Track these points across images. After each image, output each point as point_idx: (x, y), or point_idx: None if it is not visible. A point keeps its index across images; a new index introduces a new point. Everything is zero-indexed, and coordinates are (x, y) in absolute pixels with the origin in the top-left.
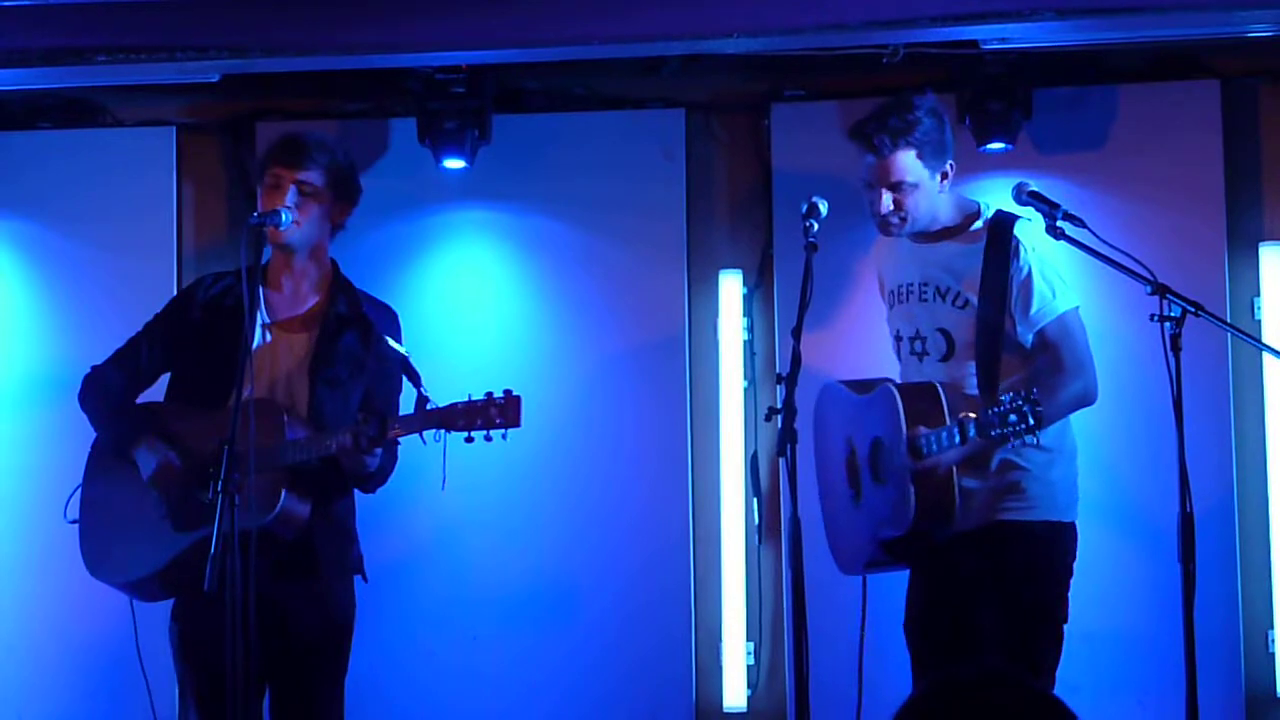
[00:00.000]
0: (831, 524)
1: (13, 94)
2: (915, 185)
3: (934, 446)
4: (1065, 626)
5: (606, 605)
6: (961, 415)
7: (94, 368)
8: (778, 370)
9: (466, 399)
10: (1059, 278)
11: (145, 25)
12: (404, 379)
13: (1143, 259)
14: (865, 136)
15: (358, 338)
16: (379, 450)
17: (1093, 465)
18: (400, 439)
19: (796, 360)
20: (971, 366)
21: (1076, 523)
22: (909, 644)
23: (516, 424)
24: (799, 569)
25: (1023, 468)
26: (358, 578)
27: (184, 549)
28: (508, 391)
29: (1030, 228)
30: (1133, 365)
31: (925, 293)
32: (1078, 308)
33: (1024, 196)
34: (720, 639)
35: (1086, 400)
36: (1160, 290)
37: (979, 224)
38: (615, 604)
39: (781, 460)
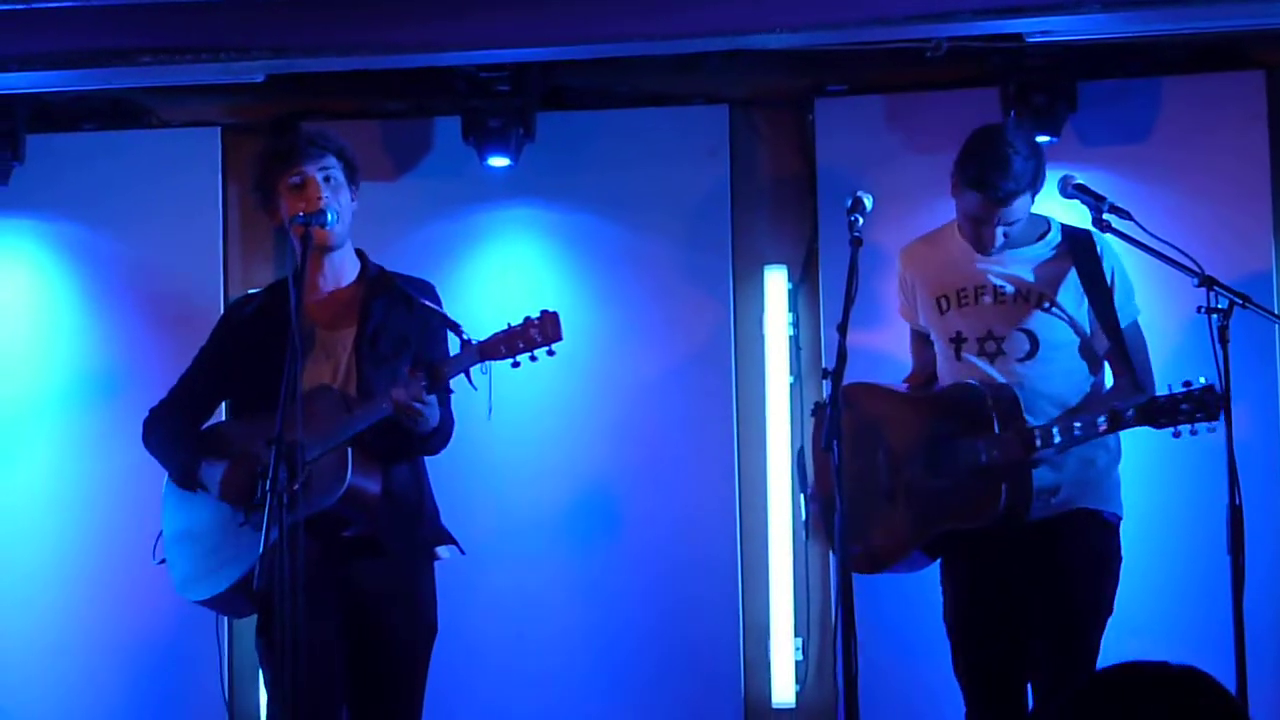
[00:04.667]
0: (860, 526)
1: (58, 95)
2: (1023, 218)
3: (1056, 438)
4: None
5: (654, 601)
6: (1116, 404)
7: (152, 410)
8: (823, 365)
9: (505, 327)
10: (1130, 286)
11: (189, 26)
12: (448, 339)
13: (1189, 251)
14: (986, 184)
15: (398, 312)
16: (434, 401)
17: (1142, 458)
18: (452, 391)
19: (842, 355)
20: (1052, 366)
21: None
22: (955, 634)
23: (558, 338)
24: (846, 564)
25: (1096, 463)
26: (453, 551)
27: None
28: (544, 310)
29: (1108, 237)
30: (1180, 357)
31: (1002, 295)
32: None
33: (1070, 189)
34: (768, 635)
35: None
36: (1207, 282)
37: (1054, 234)
38: (663, 600)
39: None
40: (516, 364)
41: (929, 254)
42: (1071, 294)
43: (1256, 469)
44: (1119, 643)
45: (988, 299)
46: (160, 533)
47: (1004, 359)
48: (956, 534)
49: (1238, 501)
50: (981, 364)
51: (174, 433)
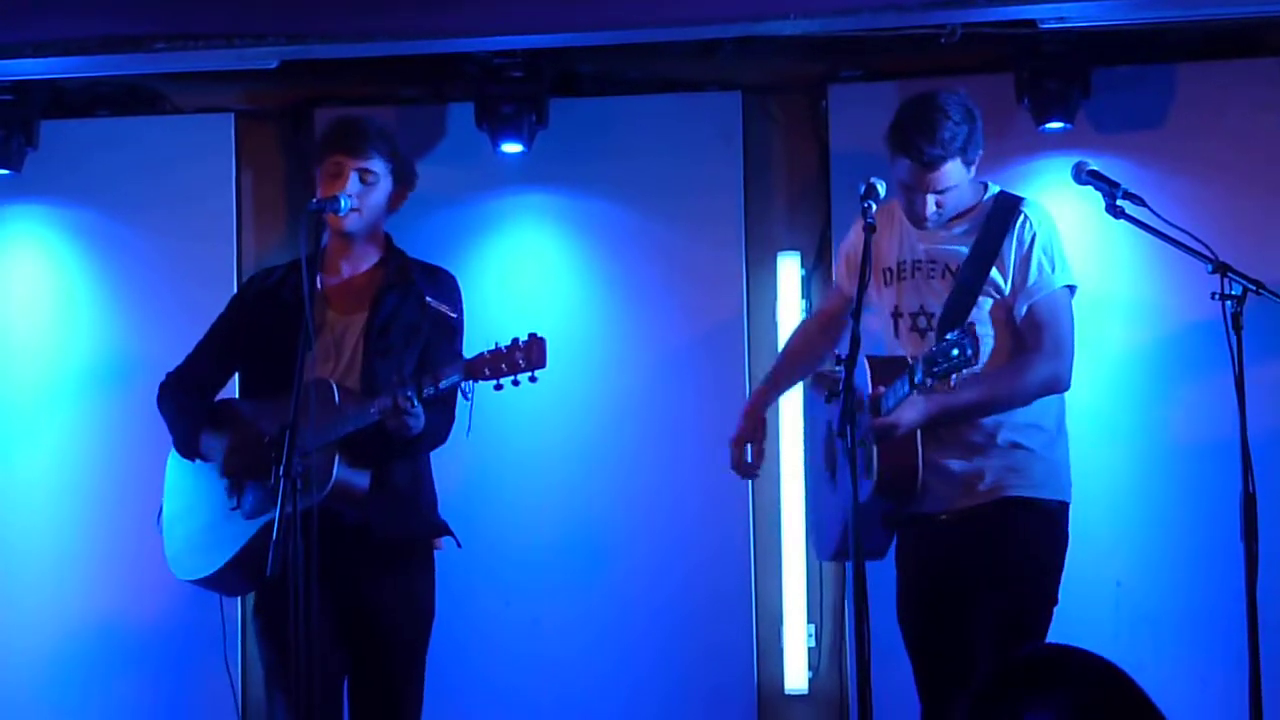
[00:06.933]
0: (813, 510)
1: (72, 82)
2: (956, 186)
3: (890, 400)
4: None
5: (667, 589)
6: (910, 360)
7: (168, 375)
8: (836, 351)
9: (493, 347)
10: (1060, 256)
11: (204, 12)
12: (461, 338)
13: (1203, 237)
14: (911, 148)
15: (411, 305)
16: (420, 410)
17: (1154, 445)
18: (453, 398)
19: (855, 341)
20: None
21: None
22: (905, 628)
23: (542, 365)
24: (860, 551)
25: (1026, 447)
26: (449, 544)
27: (252, 537)
28: (531, 334)
29: (1038, 207)
30: (1193, 344)
31: (933, 270)
32: (1072, 288)
33: (1084, 176)
34: (781, 621)
35: (1056, 386)
36: (1221, 268)
37: (985, 204)
38: (676, 587)
39: (840, 441)
40: (499, 386)
41: (880, 227)
42: (995, 268)
43: (1270, 455)
44: (1132, 629)
45: (922, 274)
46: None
47: (933, 335)
48: (896, 517)
49: (1251, 488)
50: (913, 340)
51: (181, 401)
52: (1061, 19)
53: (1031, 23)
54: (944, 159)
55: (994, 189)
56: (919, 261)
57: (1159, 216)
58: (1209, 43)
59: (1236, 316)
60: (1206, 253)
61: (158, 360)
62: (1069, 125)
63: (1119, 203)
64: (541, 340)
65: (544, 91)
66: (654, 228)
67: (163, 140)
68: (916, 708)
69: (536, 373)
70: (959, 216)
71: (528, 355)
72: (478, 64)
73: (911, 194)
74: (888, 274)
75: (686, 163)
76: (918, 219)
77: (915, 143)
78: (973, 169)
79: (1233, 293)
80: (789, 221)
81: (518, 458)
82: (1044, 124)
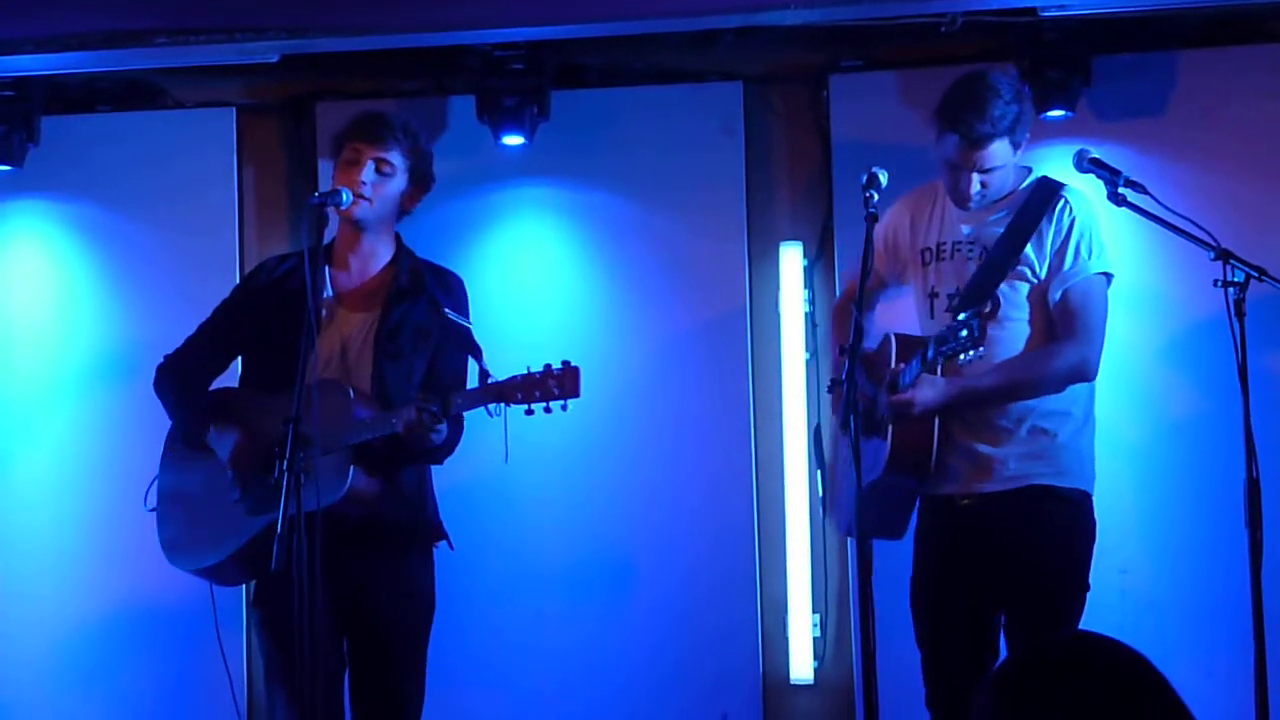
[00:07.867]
0: (837, 481)
1: (73, 77)
2: (1002, 166)
3: (905, 377)
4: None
5: (672, 579)
6: (931, 344)
7: (166, 357)
8: (840, 343)
9: (526, 371)
10: (1099, 243)
11: (204, 6)
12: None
13: (1205, 224)
14: (960, 124)
15: (422, 309)
16: (444, 427)
17: (1159, 431)
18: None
19: (858, 331)
20: (1012, 327)
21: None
22: (917, 613)
23: (576, 394)
24: (865, 540)
25: (1052, 434)
26: (443, 546)
27: (257, 533)
28: (566, 362)
29: (1079, 193)
30: (1196, 331)
31: (972, 251)
32: (1108, 276)
33: (1085, 164)
34: (786, 611)
35: (1083, 374)
36: (1223, 255)
37: (1026, 187)
38: (681, 577)
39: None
40: (530, 411)
41: (918, 207)
42: (1032, 251)
43: (1274, 442)
44: (1136, 617)
45: (961, 255)
46: (154, 479)
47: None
48: (917, 500)
49: (1255, 475)
50: (948, 321)
51: (183, 385)
52: (1062, 6)
53: (1032, 11)
54: (992, 137)
55: (1037, 173)
56: (959, 242)
57: (1161, 204)
58: (1210, 30)
59: (1239, 303)
60: (1209, 240)
61: (159, 355)
62: (1070, 113)
63: (1121, 190)
64: (575, 370)
65: (545, 83)
66: (656, 219)
67: (164, 135)
68: (923, 697)
69: (569, 402)
70: (1003, 199)
71: (561, 384)
72: (479, 56)
73: (957, 172)
74: (927, 253)
75: (688, 154)
76: (961, 198)
77: (965, 119)
78: (1019, 151)
79: (1235, 279)
80: (791, 212)
81: (520, 450)
82: (1045, 112)
